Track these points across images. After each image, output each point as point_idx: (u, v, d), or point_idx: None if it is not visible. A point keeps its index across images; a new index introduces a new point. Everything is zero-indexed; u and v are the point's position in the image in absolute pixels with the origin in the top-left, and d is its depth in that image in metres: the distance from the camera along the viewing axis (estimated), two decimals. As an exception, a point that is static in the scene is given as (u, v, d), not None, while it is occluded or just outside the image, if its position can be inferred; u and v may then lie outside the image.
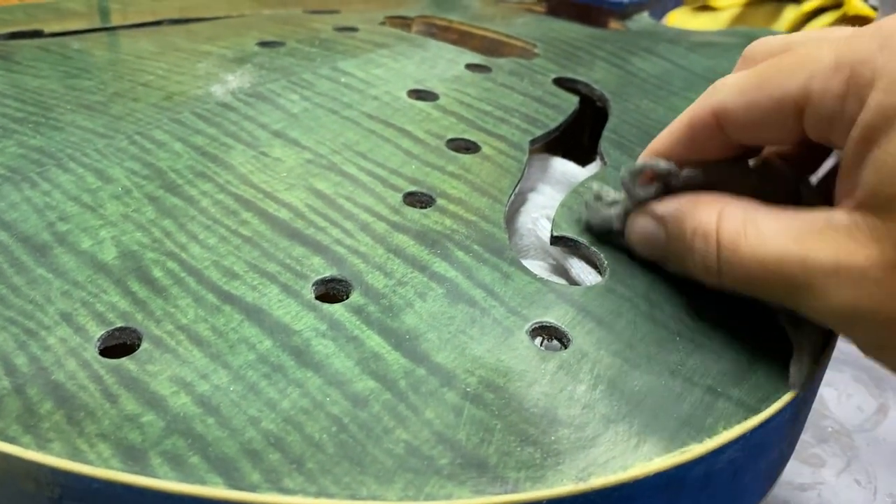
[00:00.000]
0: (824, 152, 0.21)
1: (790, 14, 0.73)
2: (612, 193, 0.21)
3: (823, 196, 0.19)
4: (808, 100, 0.16)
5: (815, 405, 0.20)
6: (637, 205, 0.20)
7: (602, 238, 0.21)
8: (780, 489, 0.28)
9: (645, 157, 0.20)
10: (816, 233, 0.16)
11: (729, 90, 0.18)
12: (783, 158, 0.21)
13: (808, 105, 0.16)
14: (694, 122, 0.19)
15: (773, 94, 0.17)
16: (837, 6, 0.71)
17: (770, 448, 0.18)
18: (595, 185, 0.21)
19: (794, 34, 0.19)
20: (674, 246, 0.19)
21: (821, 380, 0.20)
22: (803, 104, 0.17)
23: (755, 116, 0.18)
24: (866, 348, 0.16)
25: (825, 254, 0.15)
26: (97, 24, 0.35)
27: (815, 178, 0.21)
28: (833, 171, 0.20)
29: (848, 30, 0.18)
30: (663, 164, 0.19)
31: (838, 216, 0.16)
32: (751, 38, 0.43)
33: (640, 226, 0.20)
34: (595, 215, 0.21)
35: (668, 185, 0.19)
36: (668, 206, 0.19)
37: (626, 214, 0.20)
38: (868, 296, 0.15)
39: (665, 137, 0.20)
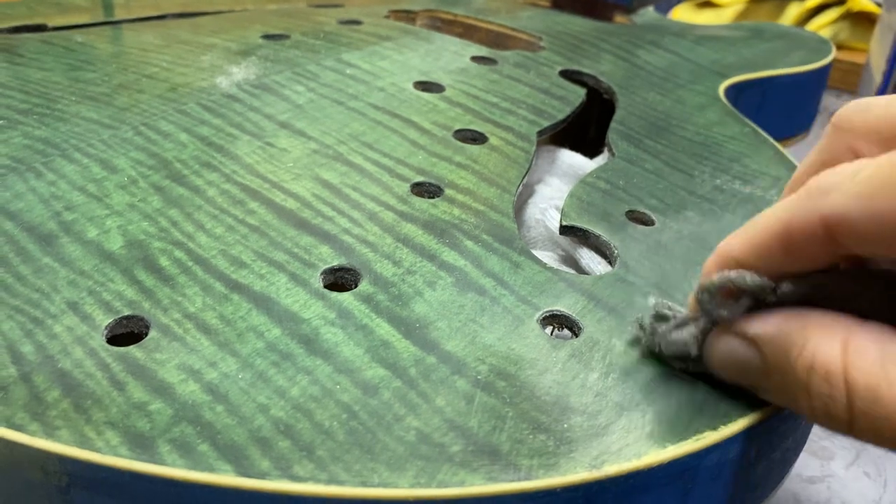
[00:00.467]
0: None
1: (794, 10, 0.73)
2: (679, 310, 0.17)
3: None
4: None
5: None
6: (717, 321, 0.16)
7: (674, 365, 0.17)
8: (789, 482, 0.28)
9: (724, 265, 0.16)
10: None
11: (847, 194, 0.14)
12: None
13: None
14: (794, 230, 0.14)
15: None
16: (841, 2, 0.70)
17: (783, 437, 0.17)
18: (653, 302, 0.17)
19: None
20: (776, 380, 0.15)
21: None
22: None
23: (887, 230, 0.13)
24: None
25: None
26: (101, 18, 0.35)
27: None
28: None
29: None
30: (752, 279, 0.15)
31: None
32: (756, 31, 0.43)
33: (726, 348, 0.16)
34: (662, 340, 0.17)
35: (759, 302, 0.15)
36: (765, 326, 0.15)
37: (705, 335, 0.16)
38: None
39: (748, 242, 0.15)
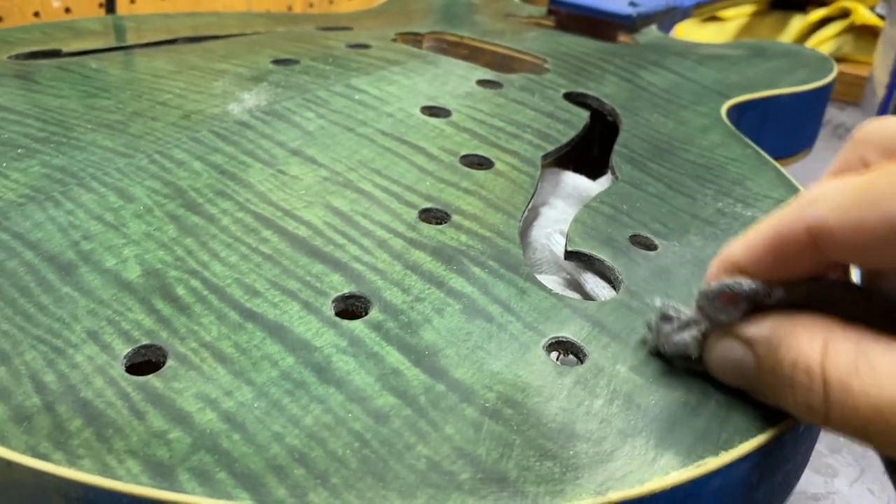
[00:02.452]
0: None
1: (797, 24, 0.74)
2: (683, 312, 0.18)
3: None
4: None
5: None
6: (717, 325, 0.17)
7: (676, 364, 0.18)
8: (793, 499, 0.28)
9: (722, 274, 0.17)
10: None
11: (830, 204, 0.15)
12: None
13: None
14: (782, 237, 0.16)
15: (887, 216, 0.14)
16: (844, 16, 0.71)
17: (785, 460, 0.18)
18: (658, 302, 0.18)
19: None
20: (767, 378, 0.16)
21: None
22: None
23: (865, 239, 0.14)
24: None
25: None
26: (113, 42, 0.36)
27: None
28: None
29: None
30: (748, 285, 0.16)
31: None
32: (759, 50, 0.43)
33: (724, 350, 0.17)
34: (666, 341, 0.18)
35: (756, 305, 0.16)
36: (759, 328, 0.16)
37: (706, 337, 0.17)
38: None
39: (744, 249, 0.17)
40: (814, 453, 0.31)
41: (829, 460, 0.31)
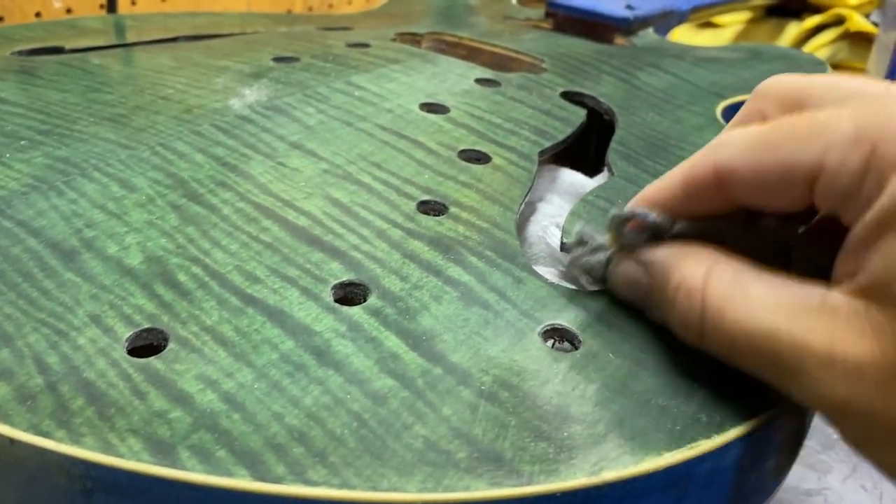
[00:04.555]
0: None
1: (792, 31, 0.74)
2: (596, 238, 0.20)
3: (813, 258, 0.18)
4: (821, 171, 0.15)
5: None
6: (623, 248, 0.19)
7: (581, 283, 0.20)
8: (786, 494, 0.29)
9: (637, 205, 0.19)
10: (811, 312, 0.15)
11: (735, 149, 0.17)
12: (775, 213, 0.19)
13: (821, 177, 0.15)
14: (693, 177, 0.18)
15: (783, 159, 0.16)
16: (839, 23, 0.71)
17: (777, 447, 0.18)
18: (577, 228, 0.21)
19: (816, 77, 0.18)
20: (656, 296, 0.18)
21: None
22: (816, 175, 0.15)
23: (761, 180, 0.16)
24: (851, 441, 0.15)
25: (819, 338, 0.14)
26: (114, 40, 0.36)
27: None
28: (825, 235, 0.18)
29: (877, 85, 0.17)
30: (654, 216, 0.18)
31: (836, 298, 0.15)
32: (755, 53, 0.44)
33: (624, 269, 0.19)
34: (578, 262, 0.20)
35: (658, 237, 0.19)
36: (654, 254, 0.18)
37: (609, 262, 0.20)
38: (862, 393, 0.14)
39: (660, 187, 0.19)
40: (807, 450, 0.31)
41: (822, 456, 0.31)
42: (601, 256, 0.20)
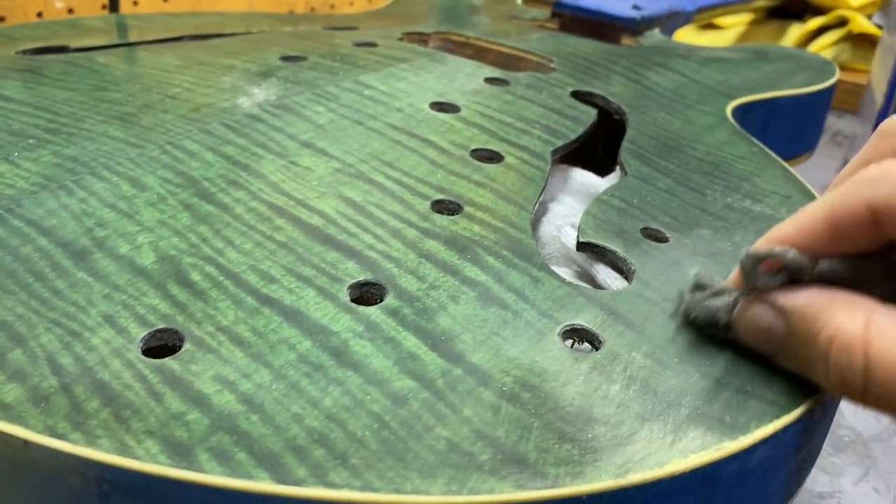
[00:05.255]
0: None
1: (794, 32, 0.74)
2: (717, 281, 0.19)
3: None
4: None
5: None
6: (753, 291, 0.18)
7: (705, 331, 0.19)
8: (799, 497, 0.28)
9: (770, 243, 0.18)
10: None
11: (893, 184, 0.16)
12: None
13: None
14: (841, 215, 0.16)
15: None
16: (842, 24, 0.71)
17: (799, 448, 0.18)
18: (694, 272, 0.19)
19: None
20: (798, 348, 0.17)
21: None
22: None
23: None
24: None
25: None
26: (117, 40, 0.36)
27: None
28: None
29: None
30: (793, 255, 0.17)
31: None
32: (761, 53, 0.44)
33: (756, 315, 0.17)
34: (698, 307, 0.18)
35: (795, 280, 0.17)
36: (794, 298, 0.17)
37: (736, 305, 0.18)
38: None
39: (798, 225, 0.17)
40: (821, 453, 0.31)
41: (834, 459, 0.31)
42: (727, 299, 0.18)
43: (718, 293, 0.18)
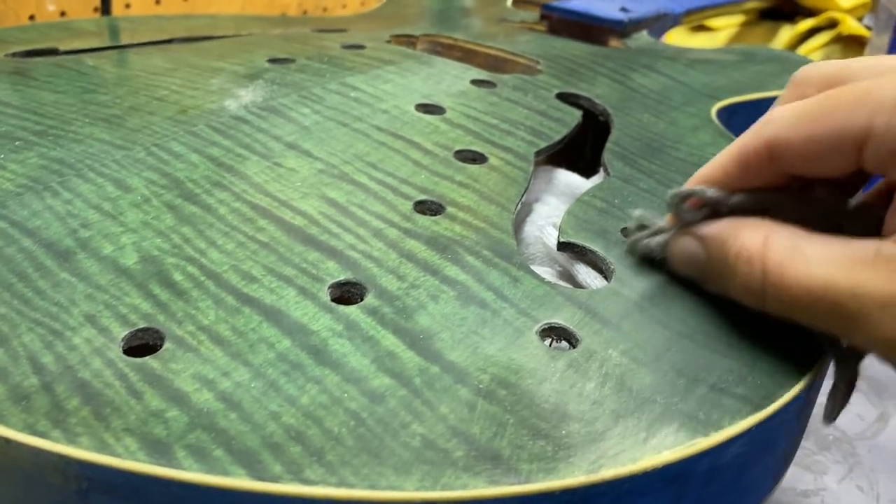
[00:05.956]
0: (864, 177, 0.20)
1: (785, 34, 0.74)
2: (654, 222, 0.21)
3: (864, 225, 0.19)
4: (869, 135, 0.16)
5: (816, 413, 0.21)
6: (682, 226, 0.20)
7: (644, 261, 0.21)
8: (783, 495, 0.29)
9: (693, 184, 0.20)
10: (867, 263, 0.16)
11: (784, 122, 0.18)
12: (824, 184, 0.20)
13: (869, 140, 0.16)
14: (745, 153, 0.19)
15: (833, 127, 0.17)
16: (832, 26, 0.72)
17: (774, 445, 0.18)
18: (637, 213, 0.22)
19: (850, 60, 0.19)
20: (715, 267, 0.19)
21: (821, 383, 0.21)
22: (865, 138, 0.17)
23: (812, 149, 0.18)
24: None
25: (877, 285, 0.16)
26: (108, 42, 0.36)
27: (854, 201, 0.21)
28: (873, 200, 0.20)
29: None
30: (711, 192, 0.19)
31: (890, 247, 0.16)
32: (748, 55, 0.44)
33: (682, 245, 0.20)
34: (638, 244, 0.21)
35: (715, 212, 0.19)
36: (710, 228, 0.19)
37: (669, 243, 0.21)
38: None
39: (714, 166, 0.20)
40: (803, 450, 0.31)
41: (818, 457, 0.31)
42: (661, 238, 0.21)
43: (655, 233, 0.21)
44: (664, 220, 0.21)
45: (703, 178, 0.20)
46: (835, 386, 0.19)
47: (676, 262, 0.20)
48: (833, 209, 0.19)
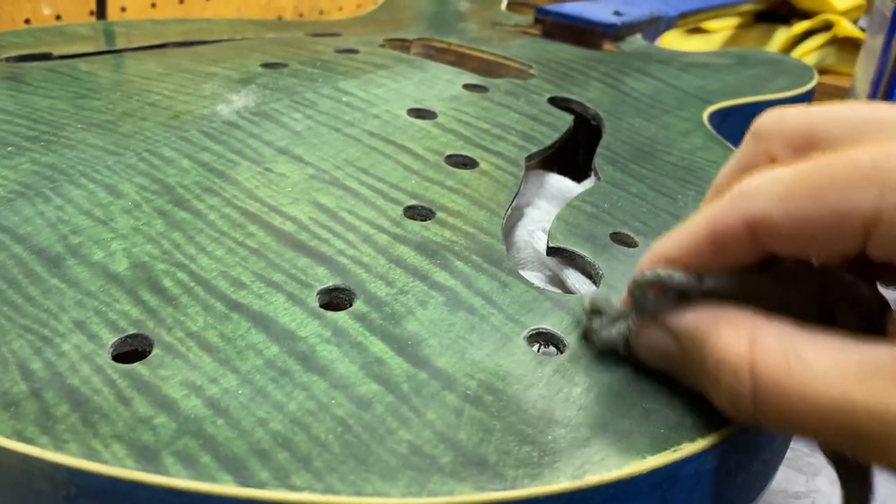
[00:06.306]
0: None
1: (781, 36, 0.75)
2: (612, 306, 0.18)
3: (859, 312, 0.16)
4: (881, 218, 0.14)
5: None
6: (644, 315, 0.17)
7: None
8: (774, 497, 0.29)
9: (656, 263, 0.17)
10: (885, 375, 0.14)
11: (768, 198, 0.15)
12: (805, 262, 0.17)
13: (880, 223, 0.14)
14: (720, 231, 0.16)
15: (834, 207, 0.14)
16: (827, 28, 0.72)
17: (761, 450, 0.18)
18: (589, 296, 0.19)
19: (815, 110, 0.17)
20: (691, 371, 0.16)
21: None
22: (873, 222, 0.14)
23: (806, 231, 0.15)
24: None
25: None
26: (103, 46, 0.36)
27: None
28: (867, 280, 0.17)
29: (888, 111, 0.16)
30: (679, 277, 0.16)
31: None
32: (741, 58, 0.44)
33: (650, 339, 0.17)
34: (596, 336, 0.18)
35: (684, 297, 0.17)
36: (683, 320, 0.16)
37: (632, 332, 0.18)
38: None
39: (681, 242, 0.17)
40: (795, 452, 0.31)
41: (810, 459, 0.31)
42: (621, 328, 0.18)
43: (614, 320, 0.18)
44: (621, 303, 0.18)
45: (667, 256, 0.17)
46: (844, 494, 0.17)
47: (647, 357, 0.18)
48: (822, 291, 0.17)
